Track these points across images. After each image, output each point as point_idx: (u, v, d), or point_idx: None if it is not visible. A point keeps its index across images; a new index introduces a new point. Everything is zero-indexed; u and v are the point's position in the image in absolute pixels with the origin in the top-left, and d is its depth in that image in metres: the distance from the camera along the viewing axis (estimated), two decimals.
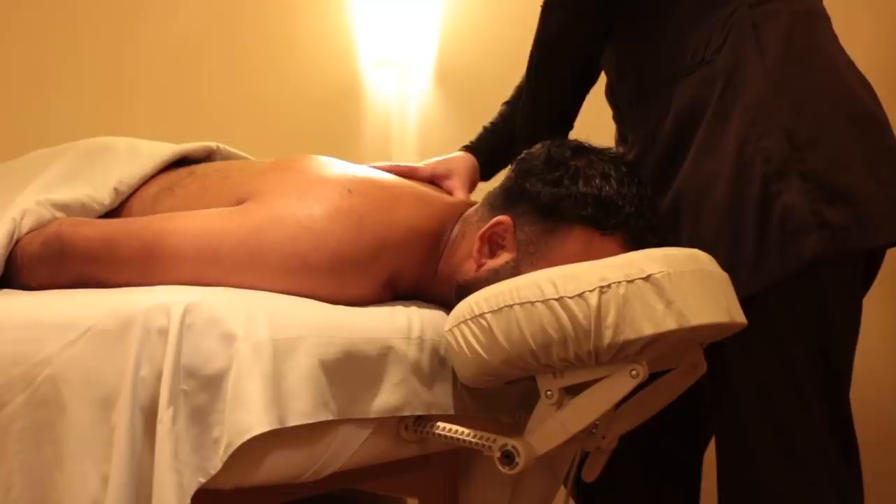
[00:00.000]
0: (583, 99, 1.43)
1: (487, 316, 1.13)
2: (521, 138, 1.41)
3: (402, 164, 1.51)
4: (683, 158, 1.32)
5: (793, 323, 1.27)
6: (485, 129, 1.62)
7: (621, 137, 1.48)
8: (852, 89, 1.32)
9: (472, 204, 1.39)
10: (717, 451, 1.34)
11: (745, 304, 1.20)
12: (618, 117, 1.49)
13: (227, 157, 1.57)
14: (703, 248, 1.20)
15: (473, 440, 1.16)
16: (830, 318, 1.28)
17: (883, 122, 1.33)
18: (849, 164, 1.27)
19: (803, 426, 1.27)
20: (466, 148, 1.59)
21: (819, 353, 1.27)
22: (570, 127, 1.44)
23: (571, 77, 1.41)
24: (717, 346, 1.26)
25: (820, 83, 1.30)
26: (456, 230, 1.34)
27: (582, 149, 1.29)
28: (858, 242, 1.26)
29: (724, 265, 1.20)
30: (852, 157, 1.27)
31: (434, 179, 1.50)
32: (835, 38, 1.37)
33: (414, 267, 1.30)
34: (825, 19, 1.38)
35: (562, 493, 1.36)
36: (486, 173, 1.59)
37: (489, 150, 1.58)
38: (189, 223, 1.23)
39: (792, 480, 1.27)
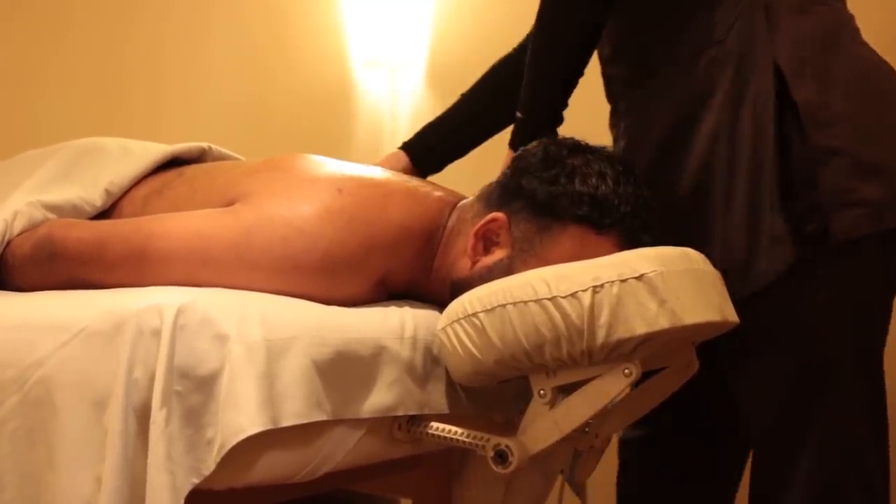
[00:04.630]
0: (584, 67, 1.36)
1: (480, 315, 1.13)
2: (525, 104, 1.37)
3: None
4: (688, 140, 1.28)
5: (828, 315, 1.24)
6: (430, 123, 1.64)
7: (612, 124, 1.45)
8: (876, 64, 1.29)
9: (461, 198, 1.38)
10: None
11: (763, 296, 1.20)
12: (611, 100, 1.44)
13: (219, 157, 1.56)
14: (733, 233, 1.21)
15: (467, 440, 1.16)
16: (868, 305, 1.26)
17: None
18: (880, 138, 1.24)
19: (839, 415, 1.25)
20: (403, 144, 1.61)
21: (853, 338, 1.24)
22: (569, 95, 1.37)
23: (578, 42, 1.33)
24: (722, 349, 1.26)
25: (842, 59, 1.26)
26: (449, 225, 1.33)
27: (578, 147, 1.29)
28: None
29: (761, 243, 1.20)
30: (882, 131, 1.24)
31: None
32: (851, 16, 1.34)
33: (406, 265, 1.30)
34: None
35: (555, 491, 1.36)
36: (432, 166, 1.61)
37: (423, 145, 1.60)
38: (179, 225, 1.22)
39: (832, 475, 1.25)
